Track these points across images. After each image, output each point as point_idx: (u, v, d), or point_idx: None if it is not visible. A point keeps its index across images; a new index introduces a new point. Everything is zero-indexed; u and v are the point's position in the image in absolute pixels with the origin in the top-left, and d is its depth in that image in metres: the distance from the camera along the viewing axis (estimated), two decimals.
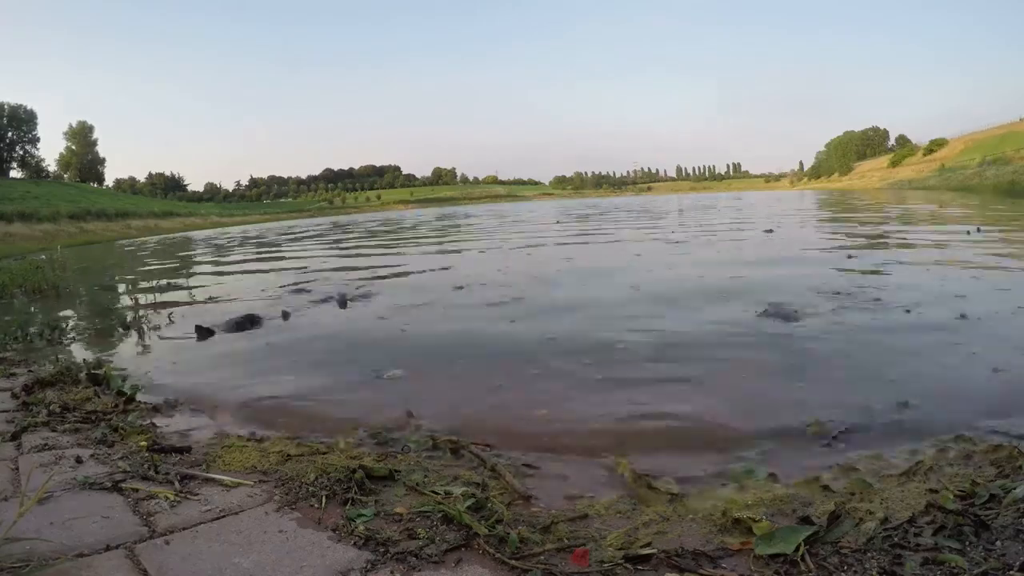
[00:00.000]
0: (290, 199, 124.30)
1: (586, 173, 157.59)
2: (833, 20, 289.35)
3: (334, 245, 13.41)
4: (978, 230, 7.79)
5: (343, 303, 4.65)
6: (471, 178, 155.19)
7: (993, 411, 1.89)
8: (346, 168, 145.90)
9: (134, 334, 4.05)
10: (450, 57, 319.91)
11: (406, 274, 6.76)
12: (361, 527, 1.32)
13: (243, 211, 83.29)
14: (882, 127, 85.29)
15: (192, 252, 15.28)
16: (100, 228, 39.53)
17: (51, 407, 2.26)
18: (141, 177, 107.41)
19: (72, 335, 4.11)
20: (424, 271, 6.94)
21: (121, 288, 7.46)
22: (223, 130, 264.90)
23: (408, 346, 3.26)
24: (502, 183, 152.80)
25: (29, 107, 60.15)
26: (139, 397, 2.46)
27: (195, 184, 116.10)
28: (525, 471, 1.67)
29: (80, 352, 3.52)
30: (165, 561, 1.22)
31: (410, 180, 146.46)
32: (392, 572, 1.16)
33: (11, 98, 79.78)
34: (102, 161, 71.73)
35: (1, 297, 6.46)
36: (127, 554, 1.25)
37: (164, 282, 7.46)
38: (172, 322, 4.40)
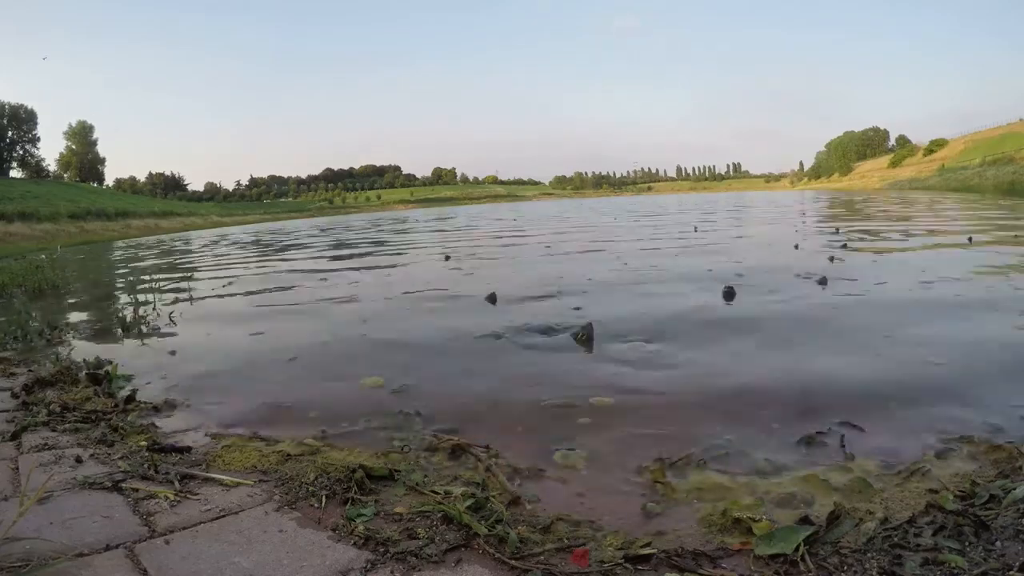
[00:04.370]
0: (290, 199, 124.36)
1: (586, 173, 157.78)
2: (833, 21, 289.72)
3: None
4: None
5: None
6: (471, 178, 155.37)
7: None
8: (346, 168, 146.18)
9: (134, 333, 4.05)
10: (451, 58, 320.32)
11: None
12: (361, 527, 1.32)
13: (243, 211, 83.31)
14: (882, 127, 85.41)
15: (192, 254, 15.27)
16: (100, 228, 39.54)
17: (51, 407, 2.26)
18: (141, 177, 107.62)
19: (72, 335, 4.11)
20: None
21: (121, 288, 7.46)
22: (223, 130, 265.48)
23: None
24: (502, 183, 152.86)
25: (29, 107, 60.37)
26: (139, 397, 2.46)
27: (195, 184, 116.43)
28: (525, 472, 1.67)
29: (80, 352, 3.51)
30: (165, 561, 1.22)
31: (410, 180, 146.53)
32: (392, 572, 1.17)
33: (11, 98, 79.80)
34: (102, 161, 71.92)
35: (1, 297, 6.46)
36: (127, 554, 1.25)
37: (163, 280, 7.46)
38: (172, 322, 4.41)
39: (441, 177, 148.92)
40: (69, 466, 1.71)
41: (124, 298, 5.95)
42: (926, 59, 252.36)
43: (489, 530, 1.27)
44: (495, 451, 1.78)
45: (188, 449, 1.86)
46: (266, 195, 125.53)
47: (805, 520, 1.26)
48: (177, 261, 11.92)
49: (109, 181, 78.07)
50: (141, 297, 5.25)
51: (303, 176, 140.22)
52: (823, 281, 4.33)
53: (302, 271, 7.86)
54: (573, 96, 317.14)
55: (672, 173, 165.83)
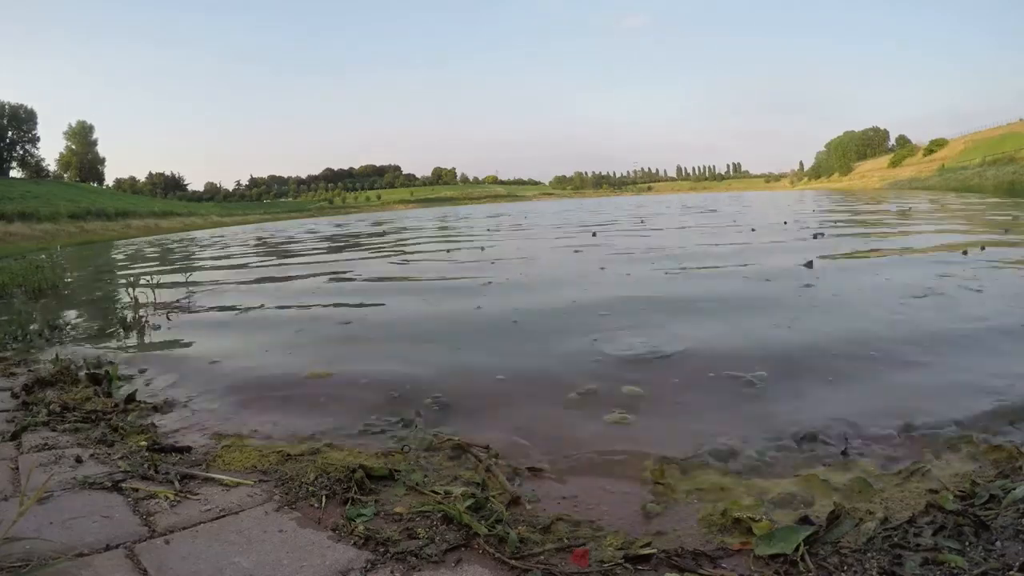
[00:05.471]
0: (290, 199, 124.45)
1: (586, 173, 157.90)
2: (834, 21, 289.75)
3: None
4: None
5: None
6: (471, 178, 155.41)
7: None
8: (346, 168, 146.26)
9: (134, 333, 4.05)
10: (452, 58, 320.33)
11: None
12: (361, 527, 1.32)
13: (243, 211, 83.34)
14: (882, 127, 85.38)
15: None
16: (100, 228, 39.57)
17: (51, 407, 2.26)
18: (141, 177, 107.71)
19: (72, 335, 4.11)
20: None
21: (120, 288, 7.46)
22: (223, 130, 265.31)
23: None
24: (502, 183, 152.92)
25: (29, 107, 60.48)
26: (139, 397, 2.46)
27: (195, 184, 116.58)
28: (525, 472, 1.67)
29: (80, 352, 3.52)
30: (165, 561, 1.22)
31: (410, 180, 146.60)
32: (392, 572, 1.17)
33: (11, 98, 79.79)
34: (102, 161, 72.02)
35: (1, 297, 6.45)
36: (127, 554, 1.25)
37: (162, 281, 7.45)
38: (171, 321, 4.41)
39: (441, 177, 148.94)
40: (69, 466, 1.71)
41: (124, 298, 5.94)
42: (926, 59, 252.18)
43: (489, 530, 1.27)
44: (495, 451, 1.78)
45: (188, 449, 1.86)
46: (266, 195, 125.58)
47: (805, 520, 1.26)
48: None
49: (109, 181, 78.35)
50: (141, 296, 5.24)
51: (303, 176, 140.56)
52: None
53: None
54: (572, 96, 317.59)
55: (672, 173, 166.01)
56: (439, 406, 2.22)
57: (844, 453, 1.66)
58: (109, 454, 1.81)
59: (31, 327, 4.19)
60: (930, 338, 2.73)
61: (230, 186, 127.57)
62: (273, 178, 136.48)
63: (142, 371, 2.99)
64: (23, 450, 1.85)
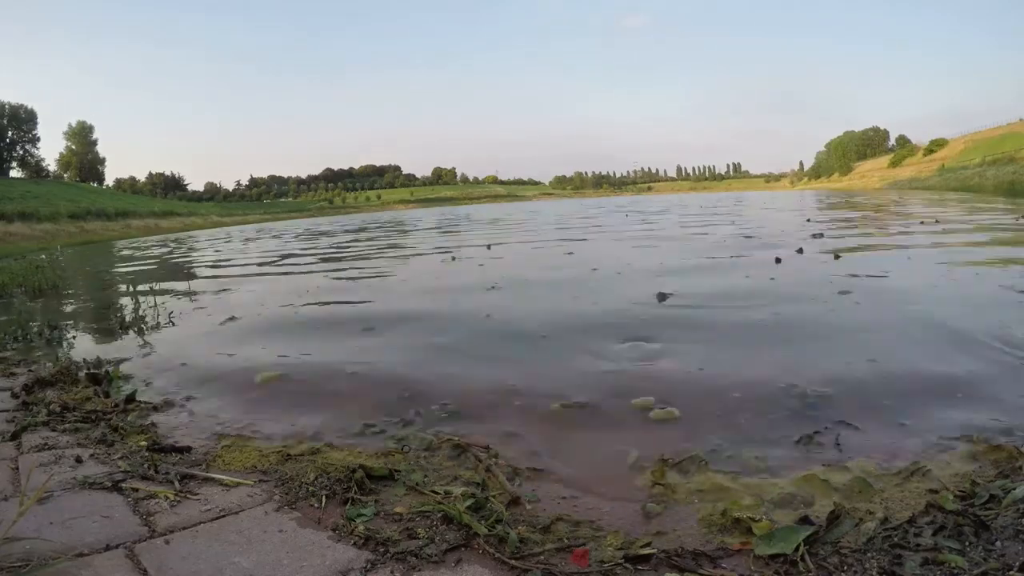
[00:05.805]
0: (290, 199, 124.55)
1: (586, 173, 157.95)
2: (833, 21, 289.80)
3: None
4: None
5: None
6: (471, 178, 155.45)
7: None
8: (346, 168, 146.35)
9: (134, 333, 4.05)
10: (452, 58, 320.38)
11: None
12: (361, 527, 1.32)
13: (243, 211, 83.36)
14: (882, 127, 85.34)
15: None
16: (100, 228, 39.59)
17: (51, 407, 2.26)
18: (141, 177, 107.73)
19: (72, 335, 4.11)
20: None
21: (121, 288, 7.46)
22: (223, 130, 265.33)
23: None
24: (502, 183, 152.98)
25: (29, 107, 60.52)
26: (139, 397, 2.46)
27: (195, 184, 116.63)
28: (525, 472, 1.67)
29: (80, 352, 3.52)
30: (165, 561, 1.22)
31: (410, 180, 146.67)
32: (392, 572, 1.17)
33: (11, 98, 79.80)
34: (102, 161, 72.08)
35: (1, 297, 6.45)
36: (127, 554, 1.25)
37: (162, 281, 7.46)
38: (172, 322, 4.41)
39: (441, 177, 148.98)
40: (69, 466, 1.70)
41: (124, 298, 5.94)
42: (926, 59, 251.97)
43: (489, 530, 1.27)
44: (495, 451, 1.78)
45: (188, 449, 1.86)
46: (266, 195, 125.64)
47: (805, 520, 1.26)
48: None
49: (109, 181, 78.43)
50: (140, 297, 5.24)
51: (303, 176, 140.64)
52: None
53: None
54: (572, 96, 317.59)
55: (672, 173, 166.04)
56: None
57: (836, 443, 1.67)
58: (109, 454, 1.81)
59: (31, 327, 4.19)
60: None
61: (230, 186, 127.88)
62: (273, 178, 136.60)
63: (142, 370, 2.98)
64: (23, 450, 1.85)
